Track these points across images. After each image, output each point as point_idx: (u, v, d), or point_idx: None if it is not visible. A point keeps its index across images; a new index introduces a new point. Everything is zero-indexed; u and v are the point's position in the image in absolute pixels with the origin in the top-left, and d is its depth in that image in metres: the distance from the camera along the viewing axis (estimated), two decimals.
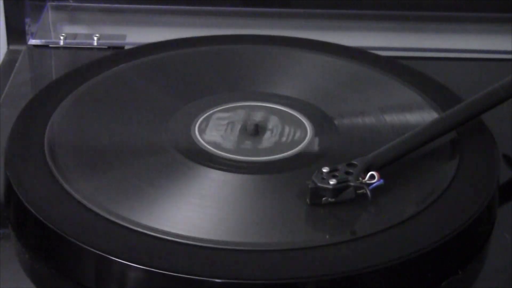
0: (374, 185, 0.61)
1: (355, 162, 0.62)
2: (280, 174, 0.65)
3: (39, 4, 0.95)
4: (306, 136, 0.69)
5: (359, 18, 0.98)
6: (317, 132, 0.70)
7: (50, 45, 0.92)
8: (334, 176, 0.61)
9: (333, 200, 0.61)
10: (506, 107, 0.72)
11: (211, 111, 0.72)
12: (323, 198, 0.61)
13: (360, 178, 0.61)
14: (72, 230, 0.58)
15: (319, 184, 0.60)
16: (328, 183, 0.60)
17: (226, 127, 0.70)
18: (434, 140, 0.67)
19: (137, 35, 0.95)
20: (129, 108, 0.73)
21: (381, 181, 0.61)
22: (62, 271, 0.59)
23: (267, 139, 0.69)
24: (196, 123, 0.70)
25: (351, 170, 0.61)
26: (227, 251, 0.57)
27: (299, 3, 0.97)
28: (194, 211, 0.61)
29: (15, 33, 0.91)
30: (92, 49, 0.91)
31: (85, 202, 0.60)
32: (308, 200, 0.61)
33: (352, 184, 0.60)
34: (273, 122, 0.71)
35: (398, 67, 0.80)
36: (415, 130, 0.66)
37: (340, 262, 0.56)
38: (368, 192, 0.60)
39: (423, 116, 0.71)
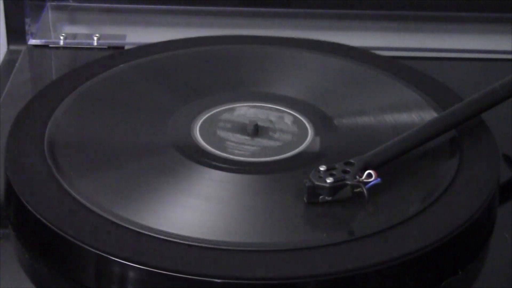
0: (371, 183, 0.61)
1: (352, 161, 0.62)
2: (280, 174, 0.65)
3: (39, 4, 0.95)
4: (306, 136, 0.69)
5: (359, 18, 0.98)
6: (317, 132, 0.70)
7: (50, 45, 0.92)
8: (331, 175, 0.61)
9: (329, 198, 0.61)
10: (506, 107, 0.72)
11: (211, 111, 0.72)
12: (320, 197, 0.61)
13: (357, 177, 0.61)
14: (72, 230, 0.58)
15: (316, 183, 0.60)
16: (325, 182, 0.60)
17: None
18: (432, 140, 0.67)
19: (137, 35, 0.95)
20: (129, 108, 0.73)
21: (378, 179, 0.61)
22: (62, 271, 0.59)
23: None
24: (196, 123, 0.70)
25: (348, 169, 0.61)
26: (227, 251, 0.57)
27: (299, 3, 0.97)
28: (194, 211, 0.61)
29: (15, 33, 0.92)
30: (92, 49, 0.91)
31: (85, 202, 0.60)
32: (305, 199, 0.61)
33: (349, 182, 0.60)
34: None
35: (398, 67, 0.80)
36: (413, 129, 0.66)
37: (340, 262, 0.56)
38: (365, 191, 0.60)
39: (423, 116, 0.71)
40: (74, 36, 0.94)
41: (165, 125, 0.70)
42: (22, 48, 0.91)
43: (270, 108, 0.73)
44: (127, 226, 0.58)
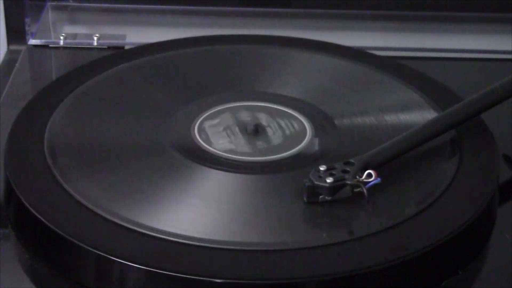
0: (371, 183, 0.61)
1: (352, 161, 0.62)
2: (280, 174, 0.65)
3: (39, 4, 0.95)
4: (306, 136, 0.69)
5: (359, 18, 0.98)
6: (317, 132, 0.70)
7: (50, 45, 0.92)
8: (331, 175, 0.61)
9: (329, 198, 0.61)
10: (506, 107, 0.72)
11: (211, 111, 0.72)
12: (320, 197, 0.61)
13: (357, 177, 0.61)
14: (72, 230, 0.58)
15: (316, 182, 0.60)
16: (325, 181, 0.60)
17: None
18: (432, 139, 0.67)
19: (137, 35, 0.95)
20: (129, 108, 0.73)
21: (378, 179, 0.61)
22: (62, 271, 0.59)
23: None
24: (196, 123, 0.70)
25: (348, 169, 0.61)
26: (227, 251, 0.57)
27: (299, 3, 0.97)
28: (194, 211, 0.61)
29: (15, 33, 0.92)
30: (92, 49, 0.91)
31: (85, 202, 0.60)
32: (305, 198, 0.61)
33: (348, 182, 0.60)
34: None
35: (398, 67, 0.80)
36: (413, 129, 0.66)
37: (340, 262, 0.56)
38: (365, 191, 0.60)
39: (423, 116, 0.71)
40: (74, 36, 0.94)
41: (165, 125, 0.70)
42: (22, 48, 0.91)
43: (270, 108, 0.73)
44: (127, 226, 0.58)
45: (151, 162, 0.66)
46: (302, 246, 0.57)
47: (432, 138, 0.67)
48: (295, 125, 0.71)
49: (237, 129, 0.70)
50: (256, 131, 0.69)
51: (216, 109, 0.72)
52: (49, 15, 0.97)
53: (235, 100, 0.74)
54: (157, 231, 0.58)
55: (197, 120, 0.71)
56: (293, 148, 0.68)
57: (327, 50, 0.82)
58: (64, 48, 0.92)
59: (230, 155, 0.67)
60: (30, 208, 0.60)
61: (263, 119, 0.71)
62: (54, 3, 0.97)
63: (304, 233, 0.60)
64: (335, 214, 0.61)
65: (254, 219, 0.60)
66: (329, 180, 0.60)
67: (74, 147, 0.67)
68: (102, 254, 0.56)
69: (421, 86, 0.76)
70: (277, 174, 0.65)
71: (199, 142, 0.68)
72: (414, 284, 0.58)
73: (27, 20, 0.92)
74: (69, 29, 0.97)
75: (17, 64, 0.87)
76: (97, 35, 0.92)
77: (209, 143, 0.68)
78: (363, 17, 0.98)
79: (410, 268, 0.57)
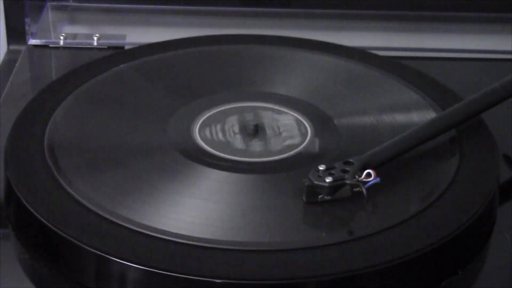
0: (370, 183, 0.61)
1: (351, 161, 0.62)
2: (280, 174, 0.65)
3: (39, 4, 0.95)
4: (306, 136, 0.69)
5: (359, 18, 0.98)
6: (317, 132, 0.70)
7: (50, 45, 0.92)
8: (330, 174, 0.61)
9: (329, 198, 0.61)
10: (506, 107, 0.72)
11: (211, 111, 0.72)
12: (319, 196, 0.61)
13: (357, 176, 0.61)
14: (72, 230, 0.58)
15: (316, 182, 0.60)
16: (324, 181, 0.60)
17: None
18: (432, 139, 0.67)
19: (137, 35, 0.95)
20: (129, 108, 0.73)
21: (378, 179, 0.61)
22: (62, 271, 0.59)
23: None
24: (196, 123, 0.70)
25: (347, 168, 0.61)
26: (227, 251, 0.57)
27: (299, 3, 0.97)
28: (194, 211, 0.61)
29: (15, 33, 0.92)
30: (92, 49, 0.91)
31: (85, 202, 0.60)
32: (304, 198, 0.61)
33: (348, 182, 0.60)
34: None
35: (398, 67, 0.80)
36: (413, 129, 0.66)
37: (340, 262, 0.56)
38: (364, 190, 0.60)
39: (423, 116, 0.71)
40: (74, 36, 0.94)
41: (165, 125, 0.70)
42: (22, 48, 0.91)
43: (270, 108, 0.73)
44: (127, 226, 0.58)
45: (151, 162, 0.66)
46: (302, 246, 0.57)
47: (432, 138, 0.67)
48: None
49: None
50: (256, 131, 0.69)
51: (216, 109, 0.72)
52: (49, 15, 0.97)
53: (235, 100, 0.74)
54: (157, 231, 0.58)
55: (197, 120, 0.71)
56: (293, 148, 0.68)
57: (327, 50, 0.82)
58: (64, 48, 0.92)
59: (230, 155, 0.67)
60: (30, 208, 0.60)
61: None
62: (54, 3, 0.97)
63: (304, 233, 0.60)
64: (335, 214, 0.61)
65: (254, 219, 0.60)
66: (328, 179, 0.60)
67: (74, 147, 0.67)
68: (102, 254, 0.56)
69: (421, 86, 0.76)
70: (277, 174, 0.65)
71: (199, 142, 0.68)
72: (414, 284, 0.58)
73: (27, 20, 0.92)
74: (69, 29, 0.97)
75: (17, 64, 0.87)
76: (97, 35, 0.92)
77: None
78: (363, 17, 0.98)
79: (410, 268, 0.57)
